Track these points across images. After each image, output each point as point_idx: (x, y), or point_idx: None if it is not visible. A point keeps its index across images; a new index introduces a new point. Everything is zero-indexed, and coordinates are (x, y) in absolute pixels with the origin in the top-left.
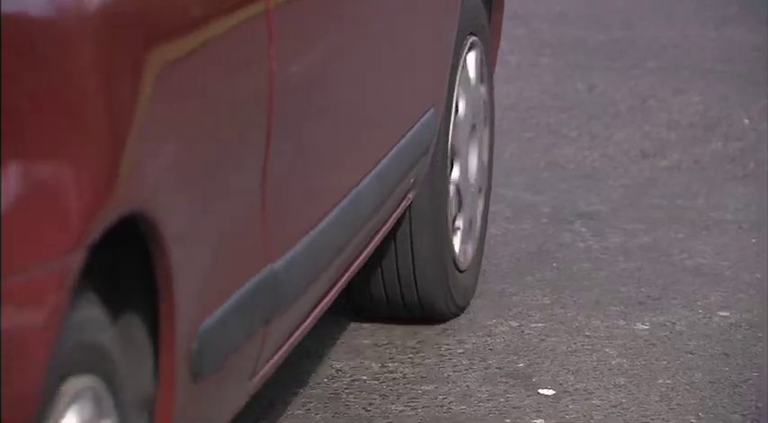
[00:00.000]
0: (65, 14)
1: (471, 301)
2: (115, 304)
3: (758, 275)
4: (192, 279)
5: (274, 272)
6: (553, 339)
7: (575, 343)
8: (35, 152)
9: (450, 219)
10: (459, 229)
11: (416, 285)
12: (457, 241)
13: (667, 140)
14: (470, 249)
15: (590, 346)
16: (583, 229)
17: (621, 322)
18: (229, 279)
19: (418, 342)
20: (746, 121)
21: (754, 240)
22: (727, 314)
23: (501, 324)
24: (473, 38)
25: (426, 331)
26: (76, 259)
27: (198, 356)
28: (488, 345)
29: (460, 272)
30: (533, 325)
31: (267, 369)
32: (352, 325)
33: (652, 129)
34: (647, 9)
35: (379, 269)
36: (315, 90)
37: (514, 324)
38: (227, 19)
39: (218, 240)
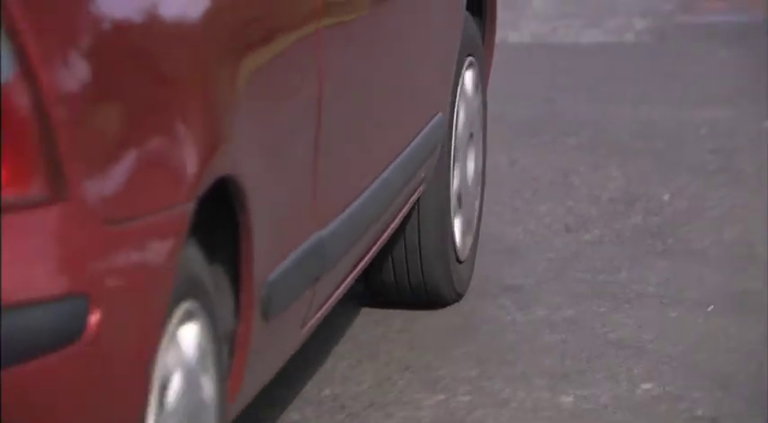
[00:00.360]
0: (193, 32)
1: (398, 375)
2: (207, 251)
3: (680, 348)
4: (265, 236)
5: (322, 239)
6: (480, 412)
7: (501, 415)
8: (163, 132)
9: (452, 214)
10: (459, 223)
11: (423, 273)
12: (458, 235)
13: (589, 215)
14: (468, 242)
15: (516, 419)
16: (508, 303)
17: (547, 394)
18: (289, 241)
19: (347, 416)
20: (666, 196)
21: (674, 314)
22: (650, 386)
23: (428, 397)
24: (470, 58)
25: (355, 405)
26: (190, 208)
27: (267, 300)
28: (416, 418)
29: (460, 262)
30: (460, 398)
31: (313, 322)
32: (281, 399)
33: (574, 204)
34: (567, 87)
35: (391, 258)
36: (351, 93)
37: (441, 397)
38: (292, 33)
39: (283, 209)
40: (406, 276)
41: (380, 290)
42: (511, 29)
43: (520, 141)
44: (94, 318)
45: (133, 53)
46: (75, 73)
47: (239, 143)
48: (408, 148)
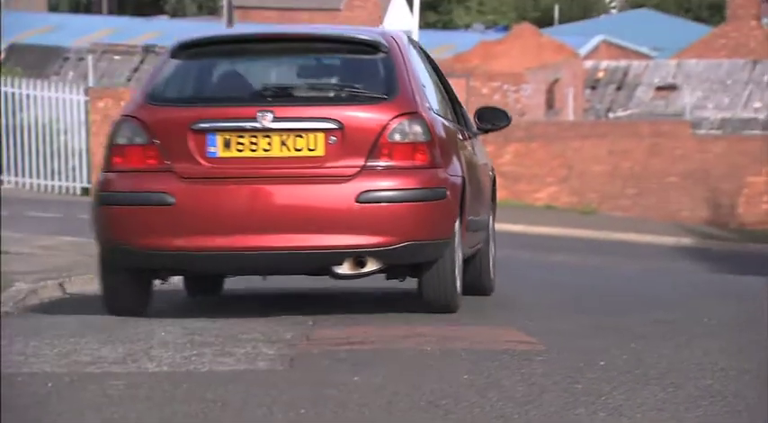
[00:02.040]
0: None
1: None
2: None
3: None
4: (468, 206)
5: (474, 219)
6: None
7: None
8: (457, 158)
9: (490, 263)
10: (491, 265)
11: (480, 282)
12: (491, 270)
13: None
14: (493, 274)
15: None
16: None
17: None
18: (468, 214)
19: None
20: None
21: None
22: None
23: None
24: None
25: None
26: (463, 179)
27: (468, 226)
28: None
29: (491, 279)
30: None
31: (469, 253)
32: None
33: None
34: None
35: (469, 275)
36: (480, 188)
37: None
38: (469, 160)
39: (469, 201)
40: (474, 282)
41: (465, 288)
42: (147, 360)
43: None
44: (448, 193)
45: (447, 137)
46: (441, 139)
47: (465, 173)
48: (480, 216)
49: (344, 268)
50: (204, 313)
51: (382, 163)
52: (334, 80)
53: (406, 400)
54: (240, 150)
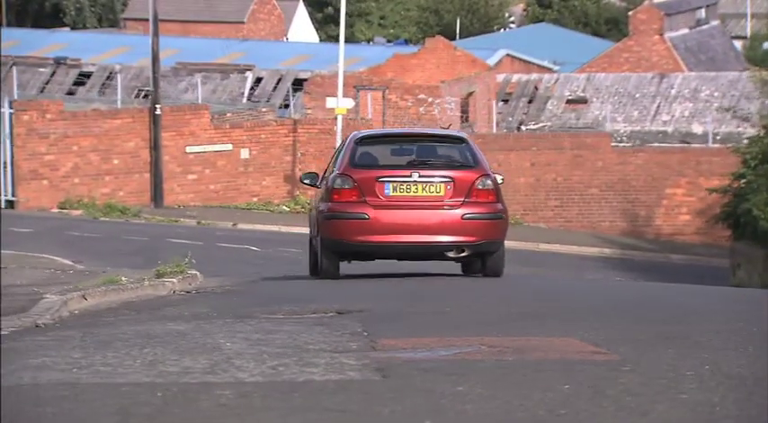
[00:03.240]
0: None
1: None
2: None
3: None
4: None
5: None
6: None
7: None
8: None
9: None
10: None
11: (500, 265)
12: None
13: None
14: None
15: None
16: None
17: None
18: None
19: None
20: None
21: None
22: None
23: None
24: None
25: None
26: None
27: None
28: None
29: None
30: None
31: None
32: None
33: None
34: None
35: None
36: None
37: None
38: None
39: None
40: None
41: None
42: (236, 370)
43: None
44: (502, 214)
45: (499, 186)
46: (497, 186)
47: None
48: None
49: (452, 253)
50: (241, 322)
51: (473, 199)
52: (446, 156)
53: (522, 409)
54: (401, 192)
